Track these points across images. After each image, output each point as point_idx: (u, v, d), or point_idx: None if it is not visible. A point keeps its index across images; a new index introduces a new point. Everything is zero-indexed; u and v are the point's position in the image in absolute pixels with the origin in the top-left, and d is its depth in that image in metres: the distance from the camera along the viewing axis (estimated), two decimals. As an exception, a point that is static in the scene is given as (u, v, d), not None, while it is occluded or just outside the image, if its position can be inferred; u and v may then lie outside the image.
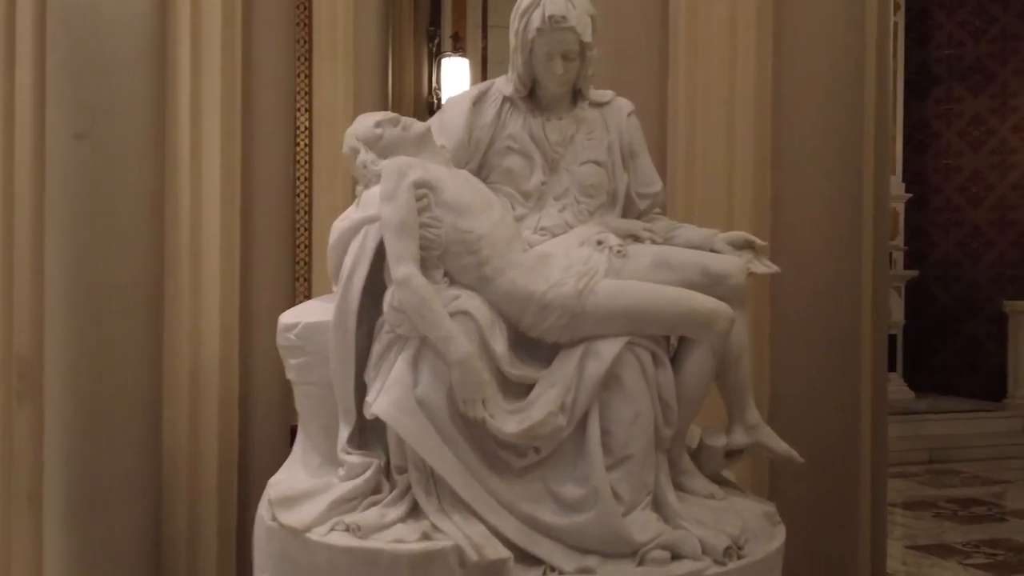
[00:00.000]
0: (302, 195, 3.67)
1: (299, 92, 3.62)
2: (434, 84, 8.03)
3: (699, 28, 3.19)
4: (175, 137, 3.09)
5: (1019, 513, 5.92)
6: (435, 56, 8.17)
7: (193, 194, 3.14)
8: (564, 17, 2.30)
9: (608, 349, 2.12)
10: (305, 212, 3.72)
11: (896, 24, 8.67)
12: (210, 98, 3.15)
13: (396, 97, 6.82)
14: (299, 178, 3.63)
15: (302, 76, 3.66)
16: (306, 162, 3.70)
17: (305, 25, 3.66)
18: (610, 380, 2.12)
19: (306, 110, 3.71)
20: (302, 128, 3.67)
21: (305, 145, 3.71)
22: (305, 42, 3.65)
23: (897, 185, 8.82)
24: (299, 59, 3.61)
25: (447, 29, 8.56)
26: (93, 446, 2.87)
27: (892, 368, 8.53)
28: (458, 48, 8.33)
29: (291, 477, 2.32)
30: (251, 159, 3.28)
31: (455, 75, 7.88)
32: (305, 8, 3.66)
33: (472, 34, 8.57)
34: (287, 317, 2.40)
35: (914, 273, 8.99)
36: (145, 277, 2.96)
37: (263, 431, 3.22)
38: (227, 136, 3.19)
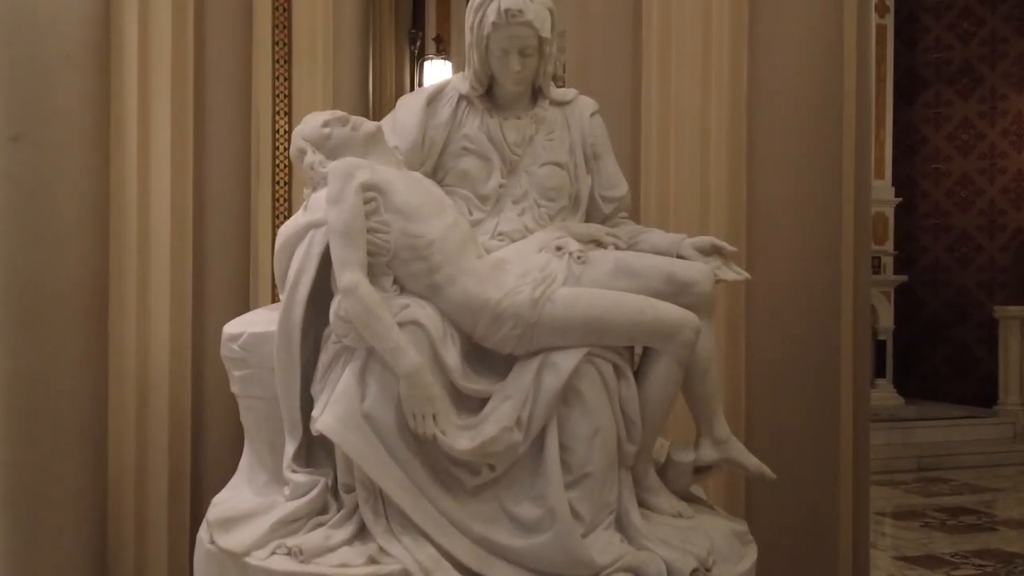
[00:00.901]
0: (281, 199, 3.60)
1: (278, 95, 3.56)
2: (416, 87, 7.96)
3: (673, 31, 3.13)
4: (121, 139, 3.01)
5: (1009, 522, 5.84)
6: (417, 59, 8.10)
7: (141, 198, 3.06)
8: (520, 11, 2.20)
9: (566, 361, 2.04)
10: (285, 217, 3.65)
11: (884, 28, 8.63)
12: (160, 98, 3.07)
13: (376, 100, 6.73)
14: (278, 182, 3.57)
15: (281, 79, 3.61)
16: (285, 165, 3.62)
17: (284, 27, 3.61)
18: (568, 393, 2.05)
19: (285, 113, 3.65)
20: (281, 131, 3.62)
21: (284, 149, 3.64)
22: (284, 44, 3.60)
23: (887, 190, 8.77)
24: (278, 61, 3.57)
25: (430, 31, 8.49)
26: (33, 461, 2.79)
27: (881, 374, 8.47)
28: (441, 51, 8.25)
29: (235, 496, 2.24)
30: (204, 162, 3.20)
31: (437, 78, 7.77)
32: (284, 10, 3.60)
33: (456, 36, 8.48)
34: (231, 327, 2.33)
35: (903, 278, 8.92)
36: (87, 283, 2.88)
37: (218, 445, 3.12)
38: (178, 138, 3.10)
